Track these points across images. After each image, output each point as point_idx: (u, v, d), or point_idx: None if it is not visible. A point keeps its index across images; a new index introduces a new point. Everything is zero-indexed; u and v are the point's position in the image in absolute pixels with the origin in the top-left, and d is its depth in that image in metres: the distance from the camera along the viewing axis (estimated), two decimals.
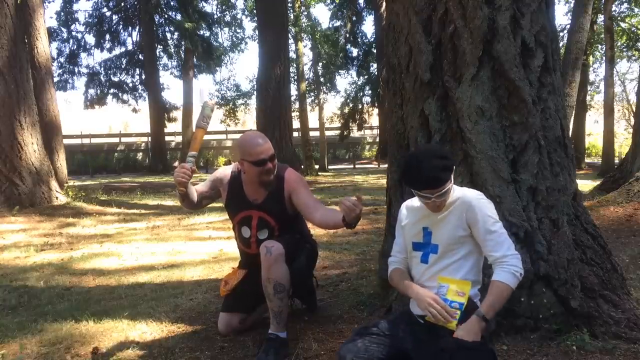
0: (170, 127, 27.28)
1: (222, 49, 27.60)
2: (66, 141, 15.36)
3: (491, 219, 1.91)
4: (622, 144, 24.80)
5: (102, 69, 25.59)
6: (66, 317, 3.17)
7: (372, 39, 24.62)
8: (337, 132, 25.59)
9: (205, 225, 6.98)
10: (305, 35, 23.32)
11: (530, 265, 2.36)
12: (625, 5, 20.90)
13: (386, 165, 3.45)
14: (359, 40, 25.28)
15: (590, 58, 21.69)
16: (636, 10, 20.94)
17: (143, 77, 25.36)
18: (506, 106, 2.50)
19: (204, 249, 5.33)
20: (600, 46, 22.17)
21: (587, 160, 22.62)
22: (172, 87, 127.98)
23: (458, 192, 1.98)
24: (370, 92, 24.05)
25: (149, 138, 26.00)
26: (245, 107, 30.20)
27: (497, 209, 2.02)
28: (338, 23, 24.85)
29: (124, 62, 25.79)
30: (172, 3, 25.09)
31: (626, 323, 2.42)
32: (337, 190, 12.05)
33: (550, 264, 2.39)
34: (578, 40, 10.45)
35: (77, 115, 33.52)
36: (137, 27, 25.10)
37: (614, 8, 18.88)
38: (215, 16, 26.91)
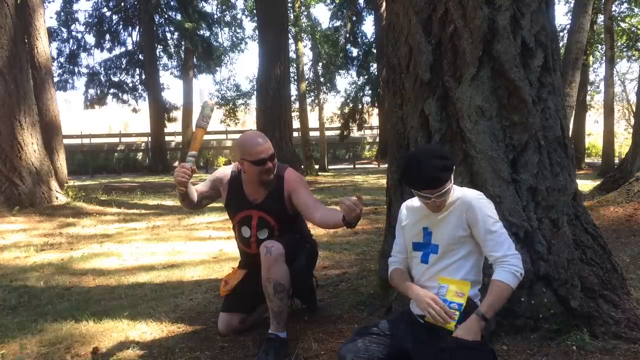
0: (170, 127, 27.29)
1: (222, 49, 27.61)
2: (66, 141, 15.37)
3: (491, 218, 1.91)
4: (622, 144, 24.81)
5: (102, 69, 25.61)
6: (66, 317, 3.17)
7: (372, 39, 24.62)
8: (337, 132, 25.59)
9: (205, 225, 6.98)
10: (305, 35, 23.32)
11: (530, 265, 2.36)
12: (625, 5, 20.91)
13: (386, 165, 3.45)
14: (359, 40, 25.28)
15: (590, 58, 21.69)
16: (636, 10, 20.96)
17: (143, 77, 25.36)
18: (506, 106, 2.50)
19: (204, 249, 5.33)
20: (600, 46, 22.18)
21: (587, 160, 22.63)
22: (172, 87, 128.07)
23: (458, 192, 1.98)
24: (370, 92, 24.05)
25: (149, 138, 26.01)
26: (245, 107, 30.21)
27: (497, 209, 2.02)
28: (338, 23, 24.86)
29: (124, 62, 25.79)
30: (172, 3, 25.09)
31: (626, 323, 2.42)
32: (337, 190, 12.05)
33: (550, 264, 2.39)
34: (578, 40, 10.45)
35: (77, 115, 33.54)
36: (137, 27, 25.10)
37: (614, 8, 18.89)
38: (215, 16, 26.93)
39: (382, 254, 3.03)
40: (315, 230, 4.66)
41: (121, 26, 25.25)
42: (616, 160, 17.90)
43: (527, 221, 2.41)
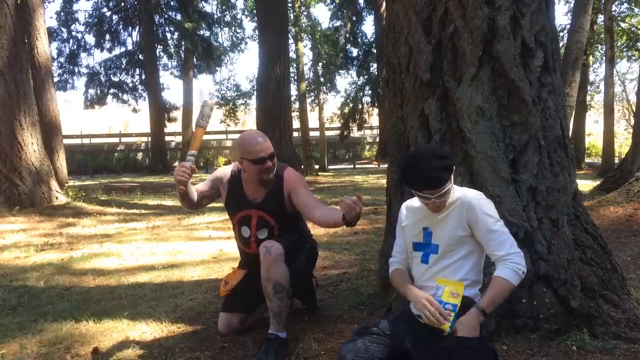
0: (170, 127, 27.29)
1: (222, 49, 27.61)
2: (66, 141, 15.37)
3: (492, 218, 1.91)
4: (622, 144, 24.81)
5: (102, 69, 25.61)
6: (66, 317, 3.17)
7: (372, 39, 24.62)
8: (337, 132, 25.59)
9: (205, 225, 6.98)
10: (305, 35, 23.34)
11: (530, 265, 2.35)
12: (625, 5, 20.91)
13: (386, 165, 3.45)
14: (359, 40, 25.28)
15: (590, 58, 21.69)
16: (636, 10, 20.96)
17: (143, 77, 25.36)
18: (506, 106, 2.50)
19: (204, 249, 5.33)
20: (600, 46, 22.18)
21: (587, 160, 22.63)
22: (172, 87, 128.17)
23: (458, 192, 1.98)
24: (370, 92, 24.05)
25: (149, 138, 26.01)
26: (245, 107, 30.22)
27: (497, 209, 2.02)
28: (338, 23, 24.86)
29: (124, 62, 25.80)
30: (172, 3, 25.09)
31: (626, 323, 2.42)
32: (337, 190, 12.05)
33: (550, 264, 2.39)
34: (578, 40, 10.45)
35: (77, 115, 33.54)
36: (137, 27, 25.10)
37: (614, 8, 18.89)
38: (215, 16, 26.93)
39: (382, 254, 3.03)
40: (315, 230, 4.66)
41: (121, 26, 25.25)
42: (616, 160, 17.91)
43: (527, 221, 2.41)
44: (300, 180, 2.70)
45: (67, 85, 24.92)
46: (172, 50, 26.21)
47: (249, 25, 43.22)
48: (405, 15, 2.71)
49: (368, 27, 58.20)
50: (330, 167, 22.84)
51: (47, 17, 24.89)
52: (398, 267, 2.14)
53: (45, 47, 10.92)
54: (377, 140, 27.47)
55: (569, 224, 2.55)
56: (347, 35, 24.57)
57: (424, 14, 2.63)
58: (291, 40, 20.09)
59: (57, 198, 8.49)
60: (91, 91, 25.57)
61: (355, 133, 27.46)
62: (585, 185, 9.69)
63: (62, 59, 24.62)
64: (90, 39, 25.19)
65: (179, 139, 27.92)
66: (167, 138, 26.42)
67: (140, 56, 25.33)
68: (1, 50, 7.72)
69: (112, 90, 26.01)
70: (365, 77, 24.80)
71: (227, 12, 27.46)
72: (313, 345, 2.52)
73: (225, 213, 2.96)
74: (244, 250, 2.81)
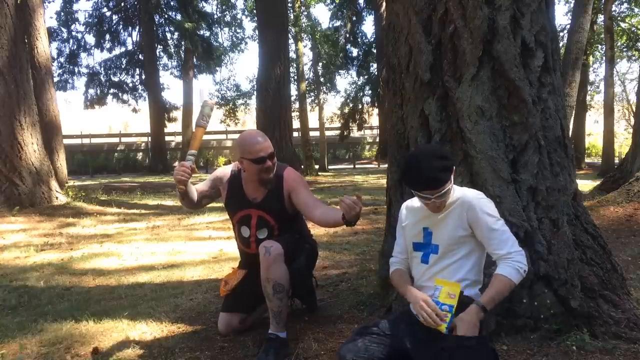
0: (170, 127, 27.29)
1: (222, 49, 27.61)
2: (66, 141, 15.37)
3: (493, 217, 1.92)
4: (622, 144, 24.81)
5: (102, 69, 25.60)
6: (66, 317, 3.17)
7: (372, 39, 24.62)
8: (337, 132, 25.59)
9: (205, 225, 6.98)
10: (305, 35, 23.34)
11: (530, 265, 2.35)
12: (625, 5, 20.91)
13: (386, 165, 3.45)
14: (359, 40, 25.28)
15: (590, 58, 21.69)
16: (636, 10, 20.96)
17: (143, 77, 25.36)
18: (506, 106, 2.50)
19: (204, 249, 5.33)
20: (600, 46, 22.18)
21: (587, 160, 22.63)
22: (172, 87, 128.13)
23: (458, 192, 1.98)
24: (370, 92, 24.05)
25: (149, 138, 26.01)
26: (245, 107, 30.22)
27: (497, 209, 2.02)
28: (338, 23, 24.87)
29: (124, 62, 25.79)
30: (172, 3, 25.09)
31: (626, 323, 2.42)
32: (337, 190, 12.05)
33: (550, 264, 2.39)
34: (578, 40, 10.45)
35: (77, 115, 33.54)
36: (137, 27, 25.10)
37: (614, 8, 18.89)
38: (215, 16, 26.93)
39: (382, 254, 3.03)
40: (315, 230, 4.66)
41: (121, 26, 25.24)
42: (616, 160, 17.90)
43: (527, 221, 2.41)
44: (300, 179, 2.70)
45: (67, 85, 24.93)
46: (172, 50, 26.22)
47: (249, 25, 43.31)
48: (405, 15, 2.71)
49: (368, 27, 58.28)
50: (330, 167, 22.84)
51: (47, 17, 24.93)
52: (398, 268, 2.14)
53: (45, 47, 10.92)
54: (377, 140, 27.47)
55: (569, 224, 2.55)
56: (347, 35, 24.57)
57: (424, 14, 2.63)
58: (291, 40, 20.09)
59: (57, 198, 8.49)
60: (91, 91, 25.58)
61: (355, 133, 27.46)
62: (585, 185, 9.69)
63: (62, 59, 24.63)
64: (90, 39, 25.25)
65: (179, 139, 27.92)
66: (167, 138, 26.42)
67: (140, 56, 25.32)
68: (1, 50, 7.72)
69: (112, 90, 26.01)
70: (365, 77, 24.80)
71: (227, 12, 27.47)
72: (313, 345, 2.52)
73: (225, 213, 2.97)
74: (244, 250, 2.81)
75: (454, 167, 1.94)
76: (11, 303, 3.64)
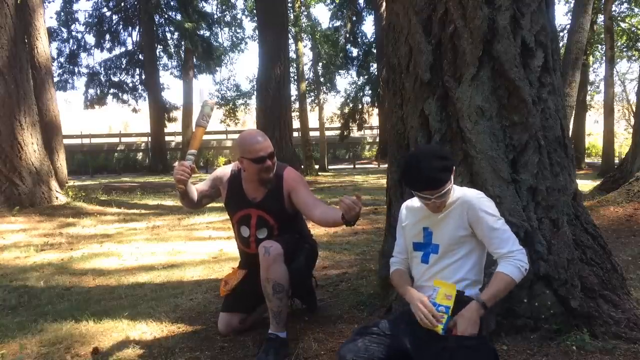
0: (170, 127, 27.29)
1: (222, 49, 27.61)
2: (66, 141, 15.36)
3: (493, 216, 1.92)
4: (622, 144, 24.82)
5: (102, 69, 25.61)
6: (66, 317, 3.17)
7: (372, 39, 24.62)
8: (337, 132, 25.59)
9: (205, 225, 6.98)
10: (305, 35, 23.33)
11: (530, 265, 2.35)
12: (625, 5, 20.92)
13: (386, 165, 3.45)
14: (359, 40, 25.28)
15: (590, 58, 21.69)
16: (636, 10, 20.96)
17: (143, 77, 25.36)
18: (506, 106, 2.49)
19: (204, 249, 5.33)
20: (600, 46, 22.18)
21: (587, 160, 22.63)
22: (172, 87, 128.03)
23: (458, 192, 1.98)
24: (370, 92, 24.06)
25: (149, 138, 26.01)
26: (245, 107, 30.22)
27: (497, 208, 2.03)
28: (338, 23, 24.86)
29: (124, 62, 25.80)
30: (172, 3, 25.09)
31: (626, 323, 2.42)
32: (337, 190, 12.05)
33: (550, 264, 2.39)
34: (578, 40, 10.45)
35: (77, 115, 33.54)
36: (137, 27, 25.10)
37: (614, 8, 18.89)
38: (215, 16, 26.93)
39: (382, 254, 3.03)
40: (315, 230, 4.66)
41: (121, 26, 25.25)
42: (616, 160, 17.90)
43: (527, 221, 2.41)
44: (299, 179, 2.70)
45: (67, 85, 24.93)
46: (172, 50, 26.22)
47: (249, 25, 43.28)
48: (405, 15, 2.71)
49: (368, 27, 58.26)
50: (330, 167, 22.84)
51: (47, 17, 24.92)
52: (398, 268, 2.15)
53: (45, 47, 10.92)
54: (377, 140, 27.47)
55: (569, 224, 2.55)
56: (347, 35, 24.57)
57: (424, 14, 2.63)
58: (291, 40, 20.09)
59: (57, 198, 8.49)
60: (91, 91, 25.58)
61: (355, 133, 27.46)
62: (585, 185, 9.69)
63: (62, 59, 24.63)
64: (90, 39, 25.26)
65: (179, 139, 27.92)
66: (167, 138, 26.42)
67: (140, 56, 25.32)
68: (1, 50, 7.72)
69: (112, 90, 26.02)
70: (365, 77, 24.80)
71: (227, 12, 27.47)
72: (313, 345, 2.52)
73: (225, 213, 2.97)
74: (244, 250, 2.81)
75: (454, 167, 1.94)
76: (11, 303, 3.64)
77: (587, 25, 10.98)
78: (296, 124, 20.31)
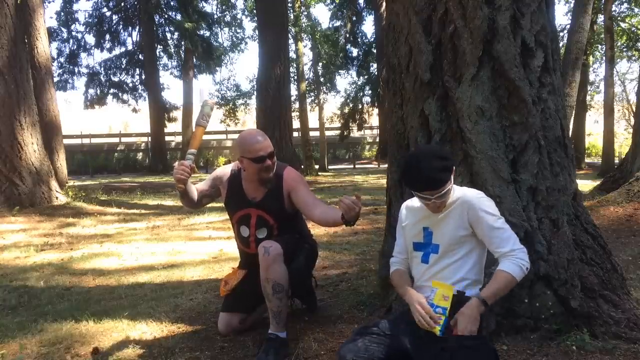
0: (170, 127, 27.30)
1: (222, 49, 27.61)
2: (66, 141, 15.36)
3: (494, 216, 1.92)
4: (622, 144, 24.82)
5: (102, 69, 25.61)
6: (66, 317, 3.17)
7: (372, 39, 24.62)
8: (337, 132, 25.59)
9: (205, 225, 6.98)
10: (305, 35, 23.33)
11: (530, 265, 2.35)
12: (625, 5, 20.92)
13: (386, 165, 3.45)
14: (359, 40, 25.28)
15: (590, 58, 21.69)
16: (636, 10, 20.96)
17: (143, 77, 25.37)
18: (506, 106, 2.49)
19: (204, 249, 5.33)
20: (600, 46, 22.19)
21: (587, 160, 22.63)
22: (172, 87, 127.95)
23: (458, 192, 1.98)
24: (370, 92, 24.06)
25: (149, 138, 26.01)
26: (245, 107, 30.22)
27: (497, 208, 2.03)
28: (338, 23, 24.86)
29: (124, 62, 25.80)
30: (172, 3, 25.10)
31: (626, 323, 2.42)
32: (337, 190, 12.05)
33: (550, 264, 2.39)
34: (578, 40, 10.45)
35: (77, 115, 33.54)
36: (137, 27, 25.10)
37: (614, 8, 18.90)
38: (215, 16, 26.93)
39: (382, 254, 3.03)
40: (315, 230, 4.66)
41: (121, 26, 25.25)
42: (616, 160, 17.90)
43: (527, 221, 2.41)
44: (299, 179, 2.70)
45: (67, 85, 24.94)
46: (172, 50, 26.22)
47: (249, 25, 43.25)
48: (405, 15, 2.71)
49: (368, 27, 58.23)
50: (330, 167, 22.84)
51: (47, 17, 24.90)
52: (398, 268, 2.15)
53: (45, 47, 10.91)
54: (377, 140, 27.47)
55: (569, 224, 2.55)
56: (347, 35, 24.57)
57: (424, 14, 2.63)
58: (291, 40, 20.09)
59: (57, 198, 8.49)
60: (91, 91, 25.59)
61: (355, 133, 27.46)
62: (585, 185, 9.69)
63: (62, 59, 24.64)
64: (90, 39, 25.27)
65: (179, 139, 27.92)
66: (167, 138, 26.43)
67: (140, 56, 25.33)
68: (1, 50, 7.72)
69: (112, 90, 26.02)
70: (365, 77, 24.80)
71: (227, 12, 27.47)
72: (313, 345, 2.52)
73: (225, 213, 2.97)
74: (244, 250, 2.81)
75: (454, 167, 1.94)
76: (11, 303, 3.64)
77: (587, 25, 10.98)
78: (296, 124, 20.31)
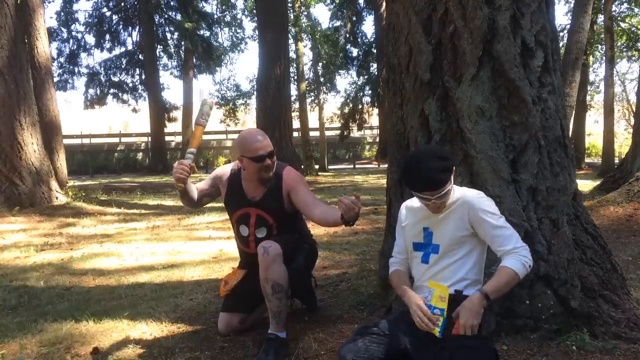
0: (170, 127, 27.30)
1: (222, 49, 27.61)
2: (66, 141, 15.35)
3: (494, 215, 1.92)
4: (622, 144, 24.82)
5: (102, 69, 25.61)
6: (66, 317, 3.17)
7: (372, 39, 24.62)
8: (337, 132, 25.59)
9: (205, 225, 6.98)
10: (305, 35, 23.34)
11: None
12: (625, 5, 20.92)
13: (386, 165, 3.45)
14: (359, 40, 25.28)
15: (590, 58, 21.70)
16: (636, 10, 20.97)
17: (143, 77, 25.37)
18: (506, 106, 2.49)
19: (204, 249, 5.33)
20: (600, 46, 22.18)
21: (587, 160, 22.63)
22: (172, 87, 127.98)
23: (458, 193, 1.98)
24: (370, 92, 24.06)
25: (149, 138, 26.01)
26: (245, 107, 30.22)
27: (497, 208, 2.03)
28: (338, 23, 24.87)
29: (124, 62, 25.80)
30: (172, 3, 25.10)
31: (626, 323, 2.42)
32: (337, 190, 12.05)
33: (550, 264, 2.39)
34: (578, 40, 10.45)
35: (77, 115, 33.53)
36: (137, 27, 25.11)
37: (614, 8, 18.90)
38: (215, 16, 26.94)
39: (382, 254, 3.03)
40: (315, 230, 4.66)
41: (121, 26, 25.25)
42: (616, 160, 17.90)
43: (527, 221, 2.41)
44: (299, 179, 2.70)
45: (67, 85, 24.94)
46: (172, 50, 26.22)
47: (249, 25, 43.21)
48: (405, 15, 2.71)
49: (368, 27, 58.22)
50: (330, 167, 22.84)
51: (47, 17, 24.90)
52: (397, 268, 2.14)
53: (45, 47, 10.91)
54: (377, 140, 27.47)
55: (569, 224, 2.55)
56: (347, 35, 24.57)
57: (424, 14, 2.63)
58: (291, 40, 20.09)
59: (57, 198, 8.49)
60: (91, 91, 25.59)
61: (355, 133, 27.46)
62: (585, 185, 9.69)
63: (62, 59, 24.64)
64: (90, 39, 25.27)
65: (179, 139, 27.92)
66: (167, 138, 26.43)
67: (140, 56, 25.33)
68: (1, 50, 7.72)
69: (112, 90, 26.03)
70: (365, 77, 24.80)
71: (227, 12, 27.47)
72: (313, 345, 2.52)
73: (225, 213, 2.97)
74: (244, 250, 2.81)
75: (454, 168, 1.94)
76: (11, 303, 3.64)
77: (587, 25, 10.98)
78: (296, 124, 20.31)
